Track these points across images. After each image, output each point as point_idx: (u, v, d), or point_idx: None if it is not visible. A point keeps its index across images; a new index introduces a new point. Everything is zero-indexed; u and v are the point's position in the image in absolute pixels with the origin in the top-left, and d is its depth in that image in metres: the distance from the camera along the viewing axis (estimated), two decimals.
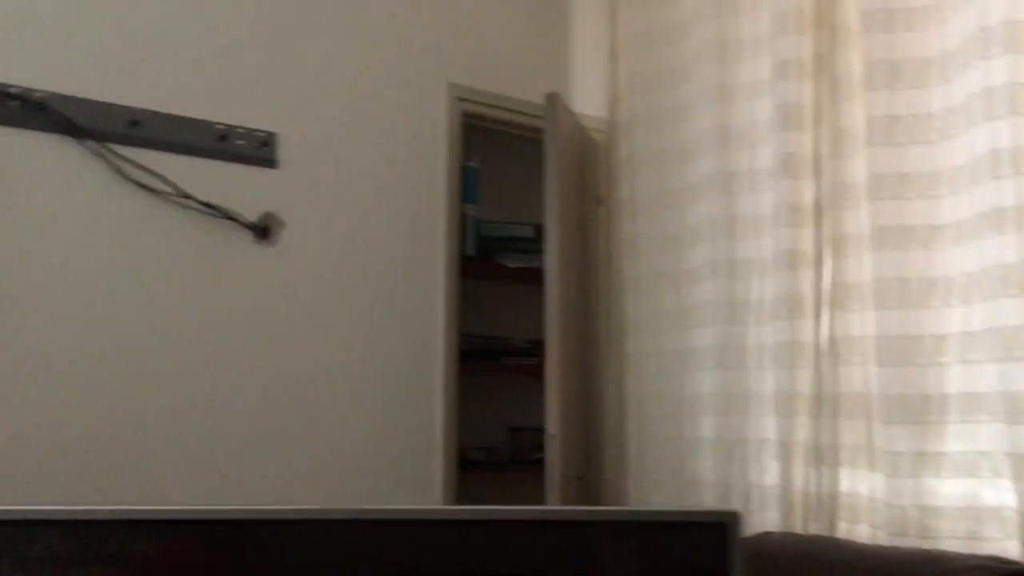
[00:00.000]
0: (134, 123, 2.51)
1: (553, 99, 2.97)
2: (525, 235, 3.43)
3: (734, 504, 2.74)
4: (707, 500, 2.77)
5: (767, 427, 2.64)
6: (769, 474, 2.62)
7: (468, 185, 3.26)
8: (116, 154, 2.47)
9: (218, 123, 2.66)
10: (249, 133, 2.72)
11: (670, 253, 2.99)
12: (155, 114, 2.55)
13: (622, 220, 3.18)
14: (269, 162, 2.76)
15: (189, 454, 2.53)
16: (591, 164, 3.38)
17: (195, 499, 2.52)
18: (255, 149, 2.73)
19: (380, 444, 2.88)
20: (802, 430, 2.53)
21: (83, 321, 2.40)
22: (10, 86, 2.35)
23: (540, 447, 3.50)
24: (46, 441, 2.31)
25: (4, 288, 2.30)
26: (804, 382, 2.53)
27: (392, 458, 2.90)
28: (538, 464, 3.45)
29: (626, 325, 3.13)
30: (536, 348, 3.55)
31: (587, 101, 3.41)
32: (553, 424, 2.85)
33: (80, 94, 2.44)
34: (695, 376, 2.88)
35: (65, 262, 2.40)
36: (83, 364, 2.39)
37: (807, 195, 2.57)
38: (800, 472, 2.53)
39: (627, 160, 3.17)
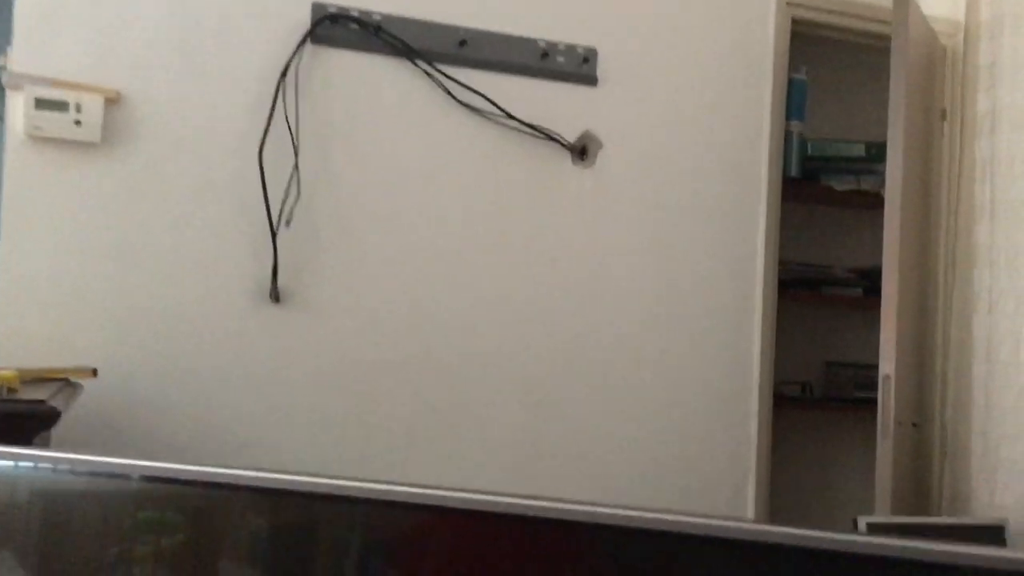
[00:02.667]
0: (462, 43, 2.49)
1: (903, 1, 2.63)
2: (855, 155, 3.12)
3: None
4: None
5: None
6: None
7: (794, 99, 2.99)
8: (445, 75, 2.47)
9: (540, 40, 2.59)
10: (570, 50, 2.62)
11: None
12: (482, 33, 2.51)
13: (977, 137, 2.79)
14: (589, 79, 2.65)
15: (504, 373, 2.54)
16: (938, 74, 2.99)
17: (502, 430, 2.54)
18: (576, 66, 2.63)
19: (694, 374, 2.76)
20: None
21: (408, 231, 2.45)
22: (350, 10, 2.39)
23: (860, 385, 3.25)
24: (363, 354, 2.40)
25: (344, 197, 2.39)
26: None
27: (707, 391, 2.77)
28: (857, 404, 3.21)
29: (976, 258, 2.77)
30: (860, 278, 3.27)
31: (936, 1, 3.00)
32: (888, 364, 2.59)
33: (413, 15, 2.45)
34: None
35: (397, 178, 2.44)
36: (407, 272, 2.45)
37: None
38: None
39: (987, 68, 2.76)
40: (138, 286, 2.21)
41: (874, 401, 3.12)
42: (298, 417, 2.32)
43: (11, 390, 1.67)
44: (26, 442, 1.55)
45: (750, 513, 2.78)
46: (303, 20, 2.36)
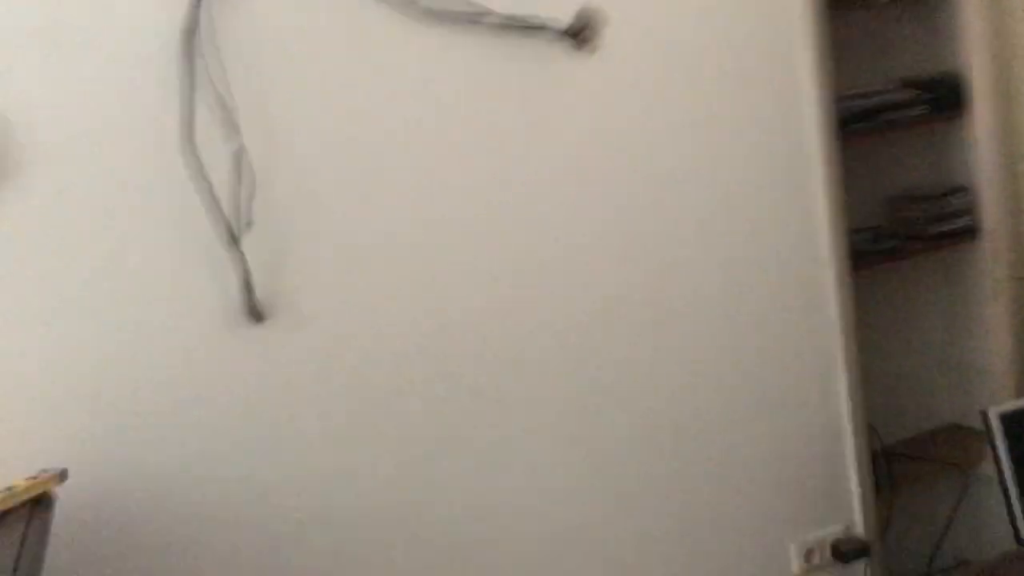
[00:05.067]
0: None
1: None
2: None
3: None
4: None
5: None
6: None
7: None
8: None
9: None
10: None
11: None
12: None
13: None
14: None
15: (543, 329, 2.13)
16: None
17: (554, 383, 2.16)
18: None
19: (752, 249, 2.34)
20: None
21: (395, 195, 1.98)
22: None
23: (934, 220, 2.82)
24: (375, 355, 1.99)
25: (307, 170, 1.91)
26: None
27: (769, 264, 2.36)
28: (937, 241, 2.79)
29: None
30: (918, 95, 2.77)
31: None
32: (991, 215, 2.17)
33: None
34: None
35: (366, 129, 1.95)
36: (403, 247, 2.00)
37: None
38: None
39: None
40: (85, 350, 1.76)
41: (953, 235, 2.75)
42: (319, 446, 1.94)
43: None
44: None
45: (844, 410, 2.45)
46: None
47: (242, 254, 1.83)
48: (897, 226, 2.83)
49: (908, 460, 2.83)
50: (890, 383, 2.88)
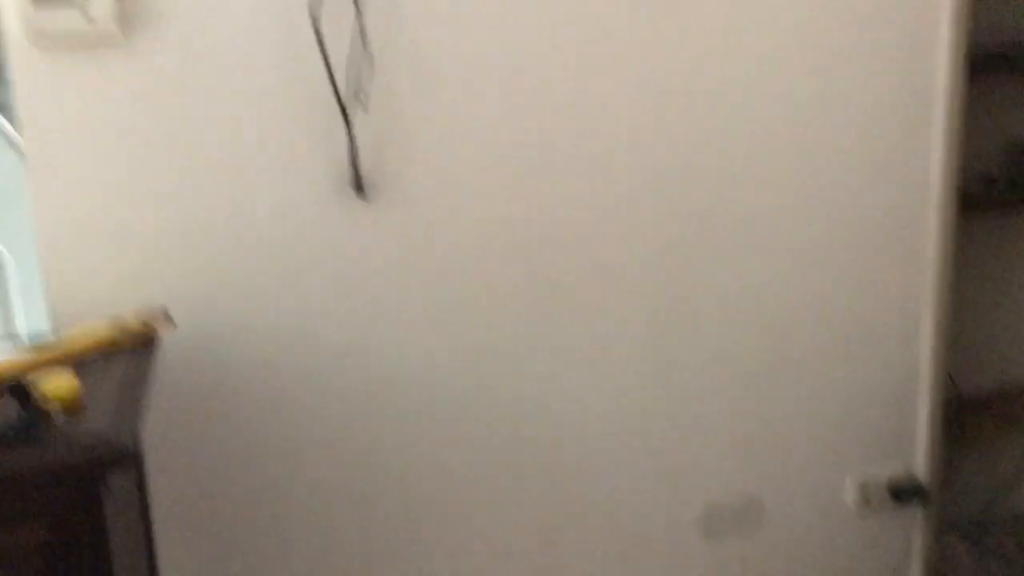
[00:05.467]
0: None
1: None
2: None
3: None
4: None
5: None
6: None
7: None
8: None
9: None
10: None
11: None
12: None
13: None
14: None
15: (635, 235, 2.15)
16: None
17: (638, 300, 2.19)
18: None
19: (858, 179, 2.29)
20: None
21: (506, 81, 1.99)
22: None
23: None
24: (473, 239, 2.05)
25: (424, 49, 1.93)
26: None
27: (873, 198, 2.32)
28: None
29: None
30: None
31: None
32: None
33: None
34: None
35: (487, 13, 1.95)
36: (511, 135, 2.02)
37: None
38: None
39: None
40: (201, 207, 1.86)
41: None
42: (408, 322, 2.03)
43: (71, 410, 1.41)
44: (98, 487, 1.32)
45: (924, 354, 2.43)
46: None
47: (351, 129, 1.88)
48: (1014, 176, 2.74)
49: (981, 413, 2.81)
50: (977, 335, 2.84)
